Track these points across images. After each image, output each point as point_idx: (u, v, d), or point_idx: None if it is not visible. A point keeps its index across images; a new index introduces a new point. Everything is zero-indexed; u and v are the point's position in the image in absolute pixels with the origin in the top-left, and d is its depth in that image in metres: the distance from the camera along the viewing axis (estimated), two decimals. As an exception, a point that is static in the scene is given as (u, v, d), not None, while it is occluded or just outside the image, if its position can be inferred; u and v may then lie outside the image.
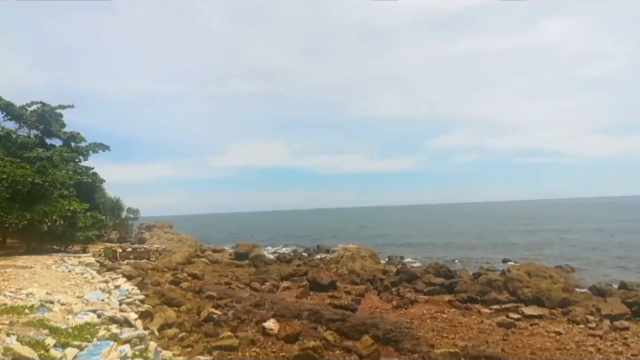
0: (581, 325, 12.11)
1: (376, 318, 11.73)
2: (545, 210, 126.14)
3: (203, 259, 26.01)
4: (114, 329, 6.99)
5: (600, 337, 11.10)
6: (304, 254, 31.86)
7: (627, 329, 11.59)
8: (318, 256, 28.05)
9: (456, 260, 28.95)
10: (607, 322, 12.13)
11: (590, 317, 12.52)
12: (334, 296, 16.30)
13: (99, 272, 15.07)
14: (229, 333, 10.62)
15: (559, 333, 11.49)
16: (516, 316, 12.93)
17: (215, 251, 29.82)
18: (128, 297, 11.09)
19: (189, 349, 9.57)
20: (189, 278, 19.35)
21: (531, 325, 12.25)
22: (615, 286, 16.33)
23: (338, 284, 18.39)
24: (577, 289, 16.39)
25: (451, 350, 9.52)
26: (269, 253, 32.62)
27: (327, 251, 28.44)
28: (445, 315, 13.59)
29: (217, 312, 12.28)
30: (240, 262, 26.17)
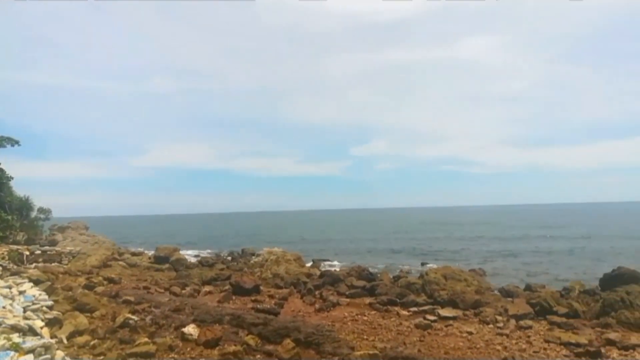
0: (490, 325, 12.84)
1: (298, 321, 11.77)
2: (461, 216, 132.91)
3: (121, 263, 24.83)
4: (16, 338, 6.48)
5: (507, 335, 11.84)
6: (227, 257, 31.32)
7: (530, 327, 12.46)
8: (242, 260, 27.67)
9: (379, 264, 29.73)
10: (513, 321, 12.98)
11: (499, 318, 13.32)
12: (257, 300, 16.17)
13: (1, 277, 13.93)
14: (146, 339, 10.19)
15: (470, 333, 12.12)
16: (432, 318, 13.47)
17: (134, 254, 28.55)
18: (34, 304, 10.35)
19: (101, 357, 9.08)
20: (105, 282, 18.39)
21: (446, 326, 12.83)
22: (522, 288, 17.52)
23: (262, 287, 18.27)
24: (489, 291, 17.35)
25: (370, 352, 9.74)
26: (190, 257, 31.74)
27: (252, 255, 28.15)
28: (366, 318, 13.89)
29: (133, 317, 11.75)
30: (160, 266, 25.26)
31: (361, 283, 18.13)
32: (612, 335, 11.18)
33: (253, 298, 16.59)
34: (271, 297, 17.02)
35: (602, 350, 10.42)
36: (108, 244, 29.77)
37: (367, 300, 16.19)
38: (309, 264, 26.53)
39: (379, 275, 20.37)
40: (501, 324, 12.82)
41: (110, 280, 18.90)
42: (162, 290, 17.42)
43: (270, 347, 10.09)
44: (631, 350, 10.42)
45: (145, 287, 17.93)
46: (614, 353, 10.38)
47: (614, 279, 14.96)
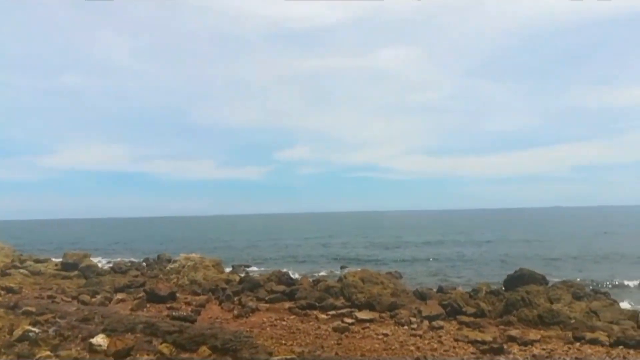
0: (405, 327, 13.30)
1: (215, 328, 11.52)
2: (379, 220, 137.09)
3: (22, 270, 22.98)
4: None
5: (420, 336, 12.33)
6: (142, 264, 30.02)
7: (441, 327, 13.05)
8: (158, 266, 26.64)
9: (299, 269, 29.87)
10: (426, 322, 13.53)
11: (413, 319, 13.83)
12: (172, 307, 15.63)
13: None
14: (48, 352, 9.50)
15: (386, 335, 12.48)
16: (350, 321, 13.72)
17: (37, 261, 26.52)
18: None
19: (-5, 374, 8.34)
20: (2, 292, 16.93)
21: (363, 328, 13.13)
22: (434, 290, 18.35)
23: (178, 294, 17.71)
24: (404, 294, 17.96)
25: (288, 357, 9.73)
26: (102, 263, 30.06)
27: (168, 261, 27.15)
28: (285, 323, 13.88)
29: (34, 329, 10.89)
30: (68, 273, 23.68)
31: (281, 288, 18.10)
32: (513, 332, 12.00)
33: (169, 305, 16.03)
34: (188, 304, 16.53)
35: (505, 346, 11.15)
36: (7, 251, 27.46)
37: (287, 305, 16.19)
38: (228, 270, 26.08)
39: (298, 279, 20.45)
40: (415, 325, 13.31)
41: (9, 290, 17.45)
42: (70, 299, 16.35)
43: (185, 355, 9.79)
44: (529, 346, 11.23)
45: (50, 296, 16.74)
46: (515, 348, 11.13)
47: (516, 280, 16.13)
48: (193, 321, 12.96)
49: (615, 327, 12.18)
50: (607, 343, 11.18)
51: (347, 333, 12.66)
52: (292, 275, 21.37)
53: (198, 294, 18.49)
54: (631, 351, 10.70)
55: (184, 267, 21.85)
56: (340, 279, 18.12)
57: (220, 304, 16.59)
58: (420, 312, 14.32)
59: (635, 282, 22.36)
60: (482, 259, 35.36)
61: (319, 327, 13.28)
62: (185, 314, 13.96)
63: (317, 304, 15.69)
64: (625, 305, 16.19)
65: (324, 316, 14.61)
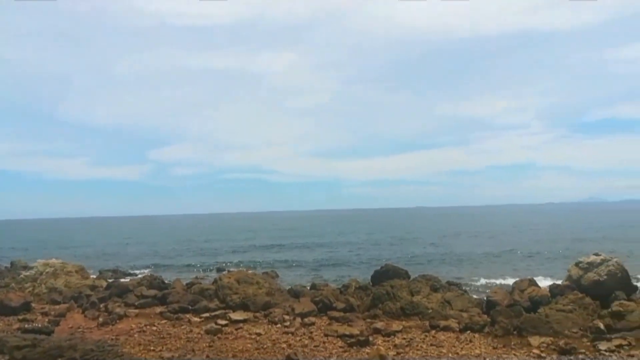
0: (278, 325, 13.54)
1: (76, 339, 10.67)
2: (262, 222, 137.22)
3: None
4: None
5: (292, 333, 12.64)
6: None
7: (313, 324, 13.51)
8: (10, 274, 23.90)
9: (173, 272, 28.85)
10: (299, 319, 13.90)
11: (286, 317, 14.12)
12: (26, 319, 14.22)
13: None
14: None
15: (259, 334, 12.60)
16: (224, 322, 13.61)
17: None
18: None
19: None
20: None
21: (236, 329, 13.10)
22: (308, 287, 18.88)
23: (33, 304, 16.16)
24: (279, 292, 18.21)
25: (156, 363, 9.40)
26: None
27: (23, 268, 24.51)
28: (155, 328, 13.35)
29: None
30: None
31: (152, 292, 17.33)
32: (379, 325, 12.83)
33: (21, 317, 14.55)
34: (45, 314, 15.15)
35: (370, 338, 11.89)
36: None
37: (158, 309, 15.57)
38: (94, 276, 24.28)
39: (171, 283, 19.73)
40: (288, 323, 13.61)
41: None
42: None
43: (38, 371, 8.95)
44: (392, 336, 12.09)
45: None
46: (379, 340, 11.92)
47: (382, 275, 17.26)
48: (50, 333, 11.90)
49: (465, 315, 13.62)
50: (457, 329, 12.45)
51: (219, 335, 12.55)
52: (165, 280, 20.53)
53: (58, 303, 17.02)
54: (476, 335, 12.04)
55: (41, 274, 19.91)
56: (215, 281, 17.85)
57: (83, 312, 15.45)
58: (293, 309, 14.65)
59: (484, 277, 25.13)
60: (354, 257, 37.10)
61: (191, 331, 13.00)
62: (40, 325, 12.79)
63: (190, 307, 15.31)
64: (474, 295, 18.16)
65: (196, 319, 14.30)
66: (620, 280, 13.86)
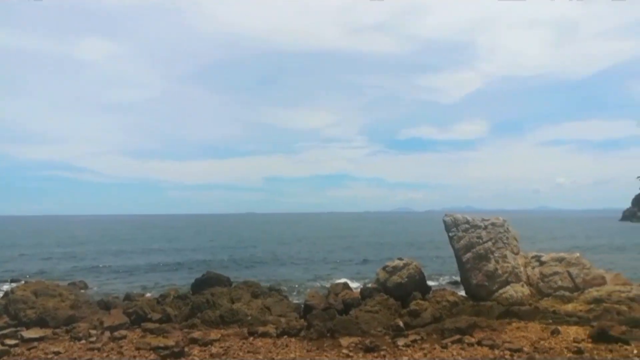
0: (83, 341, 12.17)
1: None
2: (67, 226, 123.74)
3: None
4: None
5: (99, 349, 11.48)
6: None
7: (124, 337, 12.45)
8: None
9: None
10: (108, 333, 12.69)
11: (93, 331, 12.80)
12: None
13: None
14: None
15: (58, 353, 11.17)
16: (13, 342, 11.78)
17: None
18: None
19: None
20: None
21: (29, 349, 11.43)
22: (121, 298, 17.46)
23: None
24: (86, 305, 16.49)
25: None
26: None
27: None
28: None
29: None
30: None
31: None
32: (196, 334, 12.37)
33: None
34: None
35: (186, 349, 11.39)
36: None
37: None
38: None
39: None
40: (94, 338, 12.33)
41: None
42: None
43: None
44: (209, 346, 11.75)
45: None
46: (196, 350, 11.47)
47: (203, 283, 16.80)
48: None
49: (283, 320, 13.93)
50: (275, 334, 12.64)
51: (6, 357, 10.80)
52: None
53: None
54: (293, 339, 12.36)
55: None
56: (5, 294, 15.42)
57: None
58: (102, 323, 13.36)
59: (304, 281, 26.21)
60: (174, 265, 35.55)
61: (-33, 355, 10.94)
62: None
63: (-32, 327, 12.89)
64: (294, 299, 18.76)
65: (-23, 341, 12.09)
66: (418, 282, 15.59)
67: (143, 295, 17.78)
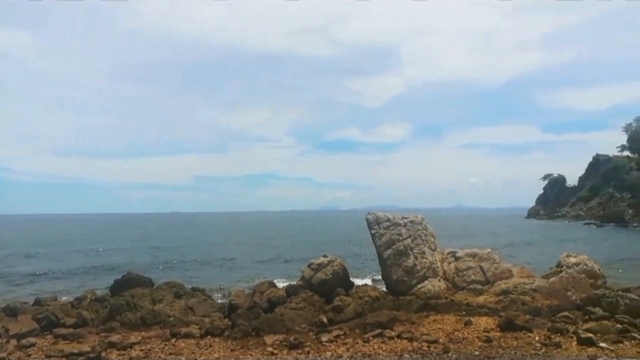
0: (-18, 350, 11.32)
1: None
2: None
3: None
4: None
5: (4, 358, 10.74)
6: None
7: (33, 345, 11.72)
8: None
9: None
10: (14, 341, 11.88)
11: (-2, 340, 11.93)
12: None
13: None
14: None
15: (-44, 364, 10.31)
16: None
17: None
18: None
19: None
20: None
21: None
22: (30, 303, 16.33)
23: None
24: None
25: None
26: None
27: None
28: None
29: None
30: None
31: None
32: (114, 338, 11.88)
33: None
34: None
35: (103, 353, 10.94)
36: None
37: None
38: None
39: None
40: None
41: None
42: None
43: None
44: (129, 349, 11.37)
45: None
46: (114, 354, 11.06)
47: (123, 284, 16.11)
48: None
49: (207, 320, 13.73)
50: (198, 335, 12.43)
51: None
52: None
53: None
54: (217, 339, 12.21)
55: None
56: None
57: None
58: (7, 330, 12.47)
59: (230, 281, 25.93)
60: (91, 267, 33.76)
61: None
62: None
63: None
64: (219, 299, 18.53)
65: None
66: (342, 279, 15.94)
67: (56, 299, 16.74)
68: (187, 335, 12.36)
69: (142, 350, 11.34)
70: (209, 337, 12.34)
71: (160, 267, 32.79)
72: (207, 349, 11.40)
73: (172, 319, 13.55)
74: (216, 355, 10.93)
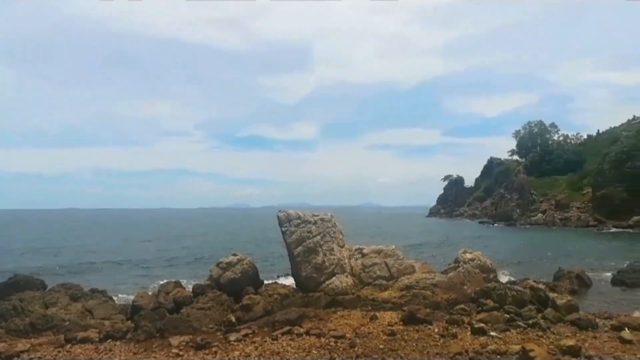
0: None
1: None
2: None
3: None
4: None
5: None
6: None
7: None
8: None
9: None
10: None
11: None
12: None
13: None
14: None
15: None
16: None
17: None
18: None
19: None
20: None
21: None
22: None
23: None
24: None
25: None
26: None
27: None
28: None
29: None
30: None
31: None
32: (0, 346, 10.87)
33: None
34: None
35: (-15, 364, 9.96)
36: None
37: None
38: None
39: None
40: None
41: None
42: None
43: None
44: (15, 358, 10.44)
45: None
46: (-3, 364, 10.12)
47: (10, 287, 14.79)
48: None
49: (107, 323, 13.00)
50: (97, 339, 11.71)
51: None
52: None
53: None
54: (118, 342, 11.58)
55: None
56: None
57: None
58: None
59: (136, 283, 24.71)
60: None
61: None
62: None
63: None
64: (121, 301, 17.61)
65: None
66: (251, 277, 15.81)
67: None
68: (85, 340, 11.59)
69: (30, 358, 10.47)
70: (109, 340, 11.66)
71: (56, 270, 30.42)
72: (106, 354, 10.77)
73: (67, 323, 12.67)
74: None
